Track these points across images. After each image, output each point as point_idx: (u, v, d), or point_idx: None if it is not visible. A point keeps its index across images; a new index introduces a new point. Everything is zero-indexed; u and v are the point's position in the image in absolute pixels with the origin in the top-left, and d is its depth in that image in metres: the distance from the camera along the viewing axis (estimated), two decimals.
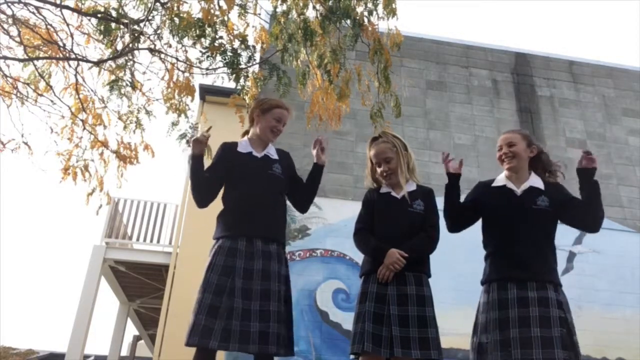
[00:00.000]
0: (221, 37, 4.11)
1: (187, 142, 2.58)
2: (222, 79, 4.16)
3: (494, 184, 2.63)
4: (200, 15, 3.96)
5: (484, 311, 2.42)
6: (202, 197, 2.63)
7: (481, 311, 2.46)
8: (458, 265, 6.11)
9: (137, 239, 8.93)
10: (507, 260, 2.42)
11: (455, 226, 2.67)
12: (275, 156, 2.73)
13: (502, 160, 2.60)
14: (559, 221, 2.59)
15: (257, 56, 4.35)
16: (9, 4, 3.81)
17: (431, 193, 2.76)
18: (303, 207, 2.90)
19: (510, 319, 2.30)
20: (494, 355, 2.27)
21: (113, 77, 4.40)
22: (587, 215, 2.50)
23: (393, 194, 2.67)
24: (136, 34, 4.04)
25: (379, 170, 2.69)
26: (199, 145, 2.64)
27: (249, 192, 2.57)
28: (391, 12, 3.99)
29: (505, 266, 2.42)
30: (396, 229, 2.56)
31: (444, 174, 2.82)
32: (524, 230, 2.44)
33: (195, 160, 2.61)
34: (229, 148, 2.74)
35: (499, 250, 2.48)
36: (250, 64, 4.19)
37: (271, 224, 2.56)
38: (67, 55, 4.19)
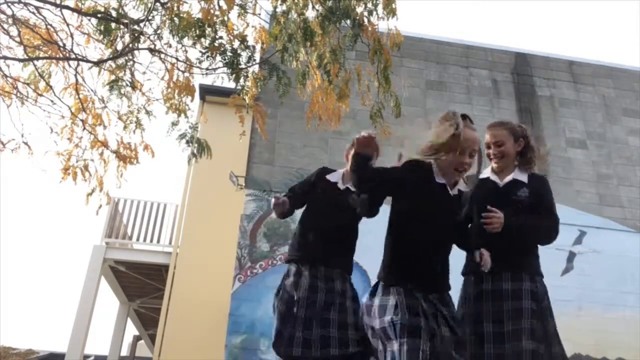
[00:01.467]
0: (221, 37, 4.11)
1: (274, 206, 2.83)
2: (222, 79, 4.17)
3: (481, 176, 2.60)
4: (200, 15, 3.96)
5: (462, 305, 2.43)
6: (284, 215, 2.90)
7: (460, 305, 2.45)
8: (460, 266, 6.10)
9: (137, 239, 8.94)
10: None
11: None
12: None
13: (490, 158, 2.61)
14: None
15: (257, 56, 4.35)
16: (9, 4, 3.81)
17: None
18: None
19: (484, 312, 2.32)
20: (471, 348, 2.26)
21: (113, 77, 4.40)
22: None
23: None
24: (136, 34, 4.04)
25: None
26: (279, 208, 2.78)
27: (324, 220, 2.82)
28: (391, 12, 3.99)
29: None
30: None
31: None
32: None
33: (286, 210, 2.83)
34: (321, 174, 3.02)
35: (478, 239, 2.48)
36: (250, 64, 4.19)
37: (340, 255, 2.78)
38: (67, 55, 4.19)
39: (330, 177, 2.96)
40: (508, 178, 2.55)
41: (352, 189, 2.79)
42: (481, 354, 2.25)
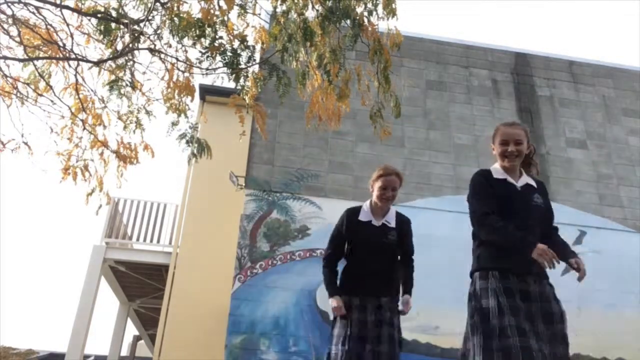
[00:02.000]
0: (221, 37, 4.10)
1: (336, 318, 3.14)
2: (222, 79, 4.17)
3: (495, 176, 2.59)
4: (200, 15, 3.96)
5: (488, 297, 2.36)
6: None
7: (482, 297, 2.38)
8: (458, 266, 6.10)
9: (137, 239, 8.94)
10: (511, 251, 2.39)
11: None
12: (392, 224, 3.13)
13: (505, 157, 2.56)
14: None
15: (257, 56, 4.35)
16: (9, 4, 3.81)
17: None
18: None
19: (519, 308, 2.30)
20: (516, 340, 2.20)
21: (113, 77, 4.40)
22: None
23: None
24: (136, 34, 4.04)
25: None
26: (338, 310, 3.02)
27: (366, 259, 3.04)
28: (391, 12, 3.99)
29: (509, 257, 2.39)
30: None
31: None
32: (526, 223, 2.45)
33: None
34: (351, 216, 3.17)
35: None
36: (250, 64, 4.19)
37: (383, 286, 3.02)
38: (67, 55, 4.19)
39: (363, 217, 3.13)
40: (522, 182, 2.59)
41: (388, 224, 3.09)
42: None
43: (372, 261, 3.02)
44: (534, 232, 2.44)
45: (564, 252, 2.45)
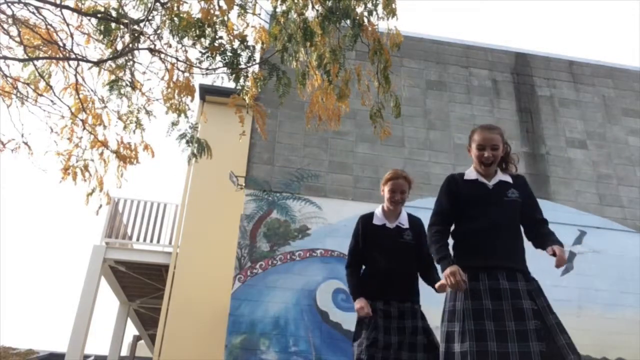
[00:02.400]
0: (221, 37, 4.10)
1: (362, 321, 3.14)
2: (222, 79, 4.17)
3: (466, 177, 2.66)
4: (200, 15, 3.96)
5: (455, 300, 2.42)
6: None
7: (450, 299, 2.45)
8: None
9: (137, 239, 8.94)
10: (481, 249, 2.45)
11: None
12: (406, 225, 3.18)
13: (481, 162, 2.61)
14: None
15: (257, 56, 4.35)
16: (9, 4, 3.81)
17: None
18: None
19: (485, 310, 2.32)
20: (465, 345, 2.27)
21: (113, 77, 4.40)
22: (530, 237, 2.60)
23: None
24: (136, 34, 4.04)
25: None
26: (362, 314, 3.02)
27: (384, 262, 3.05)
28: (391, 12, 3.98)
29: (478, 255, 2.45)
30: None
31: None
32: (497, 220, 2.49)
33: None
34: (365, 222, 3.22)
35: (472, 239, 2.51)
36: (250, 64, 4.19)
37: (405, 288, 3.03)
38: (67, 55, 4.19)
39: (377, 222, 3.18)
40: (495, 180, 2.61)
41: (402, 226, 3.13)
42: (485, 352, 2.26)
43: (391, 263, 3.04)
44: (502, 228, 2.47)
45: (543, 241, 2.49)
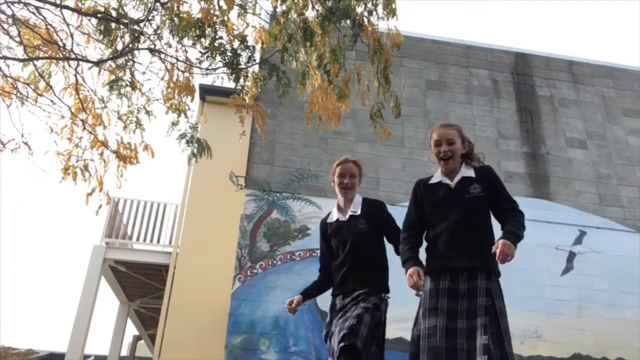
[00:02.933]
0: (221, 37, 4.10)
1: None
2: (222, 79, 4.16)
3: (431, 181, 2.69)
4: (200, 15, 3.96)
5: (421, 302, 2.50)
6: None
7: (419, 305, 2.53)
8: None
9: (137, 239, 8.93)
10: (442, 251, 2.50)
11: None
12: (358, 211, 2.97)
13: (439, 158, 2.64)
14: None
15: (257, 56, 4.35)
16: (9, 4, 3.81)
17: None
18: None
19: (439, 309, 2.38)
20: (425, 342, 2.34)
21: (113, 77, 4.40)
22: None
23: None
24: (136, 34, 4.04)
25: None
26: (296, 306, 3.04)
27: (341, 257, 2.91)
28: (391, 12, 3.98)
29: (439, 257, 2.50)
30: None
31: None
32: (458, 221, 2.51)
33: (308, 299, 3.16)
34: (324, 224, 3.10)
35: (435, 241, 2.55)
36: (250, 64, 4.19)
37: (362, 280, 2.83)
38: (67, 55, 4.19)
39: (331, 219, 3.06)
40: (457, 177, 2.63)
41: (354, 214, 2.97)
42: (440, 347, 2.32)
43: (345, 257, 2.90)
44: (462, 227, 2.48)
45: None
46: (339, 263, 2.92)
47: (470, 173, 2.63)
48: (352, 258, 2.88)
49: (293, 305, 3.00)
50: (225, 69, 4.08)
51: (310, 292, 3.11)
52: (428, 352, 2.30)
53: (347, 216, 2.97)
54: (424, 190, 2.68)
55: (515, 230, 2.42)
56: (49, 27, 4.10)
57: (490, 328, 2.25)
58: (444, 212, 2.55)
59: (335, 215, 3.04)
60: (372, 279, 2.83)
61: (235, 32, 4.12)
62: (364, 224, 2.92)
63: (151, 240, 8.88)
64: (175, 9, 4.02)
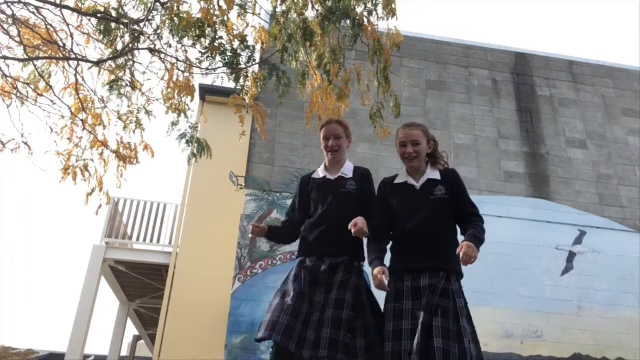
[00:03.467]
0: (221, 37, 4.11)
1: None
2: (222, 79, 4.17)
3: (396, 181, 2.71)
4: (200, 15, 3.96)
5: (385, 302, 2.51)
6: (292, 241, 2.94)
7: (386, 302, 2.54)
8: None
9: (137, 239, 8.93)
10: (406, 251, 2.53)
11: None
12: (350, 175, 2.83)
13: (404, 158, 2.66)
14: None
15: (257, 56, 4.35)
16: (9, 4, 3.81)
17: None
18: None
19: (404, 310, 2.40)
20: (388, 345, 2.35)
21: (113, 77, 4.40)
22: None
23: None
24: (136, 34, 4.04)
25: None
26: (257, 233, 2.76)
27: (322, 213, 2.71)
28: (391, 12, 3.99)
29: (404, 257, 2.53)
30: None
31: None
32: (422, 222, 2.54)
33: (269, 238, 2.91)
34: (305, 180, 2.93)
35: (400, 242, 2.58)
36: (250, 64, 4.19)
37: (342, 240, 2.62)
38: (67, 55, 4.19)
39: (317, 175, 2.88)
40: (423, 179, 2.65)
41: (345, 176, 2.82)
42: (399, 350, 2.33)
43: (329, 214, 2.68)
44: (427, 229, 2.52)
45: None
46: (317, 220, 2.70)
47: (436, 175, 2.66)
48: (334, 217, 2.66)
49: (257, 229, 2.71)
50: (225, 69, 4.08)
51: (275, 234, 2.90)
52: (393, 353, 2.31)
53: (336, 176, 2.82)
54: (389, 190, 2.69)
55: (477, 234, 2.48)
56: (49, 27, 4.10)
57: (451, 326, 2.31)
58: (409, 213, 2.58)
59: (321, 174, 2.88)
60: (351, 245, 2.63)
61: (235, 32, 4.12)
62: (353, 185, 2.77)
63: (151, 240, 8.88)
64: (175, 9, 4.03)
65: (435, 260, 2.46)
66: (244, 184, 6.90)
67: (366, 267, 2.66)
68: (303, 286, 2.51)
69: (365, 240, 2.68)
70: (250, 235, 2.78)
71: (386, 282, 2.41)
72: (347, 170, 2.84)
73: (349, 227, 2.48)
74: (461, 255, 2.34)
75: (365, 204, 2.73)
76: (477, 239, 2.44)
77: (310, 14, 4.02)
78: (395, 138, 2.77)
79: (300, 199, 2.85)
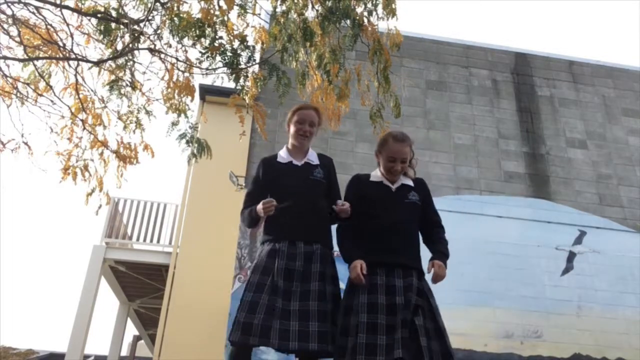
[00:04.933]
0: (221, 37, 4.11)
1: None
2: (222, 79, 4.17)
3: (371, 179, 2.78)
4: (200, 15, 3.96)
5: (352, 295, 2.53)
6: (254, 227, 2.84)
7: (345, 296, 2.57)
8: (460, 266, 6.11)
9: (137, 239, 8.93)
10: (380, 246, 2.58)
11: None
12: (316, 162, 2.81)
13: (389, 171, 2.73)
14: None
15: (257, 56, 4.35)
16: (9, 4, 3.81)
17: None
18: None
19: (379, 304, 2.43)
20: (361, 337, 2.37)
21: (113, 77, 4.40)
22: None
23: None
24: (136, 34, 4.04)
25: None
26: (268, 210, 2.62)
27: (291, 198, 2.63)
28: (391, 12, 3.99)
29: (377, 251, 2.57)
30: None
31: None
32: (397, 220, 2.64)
33: (258, 219, 2.74)
34: (268, 163, 2.83)
35: (373, 237, 2.62)
36: (250, 64, 4.19)
37: (313, 227, 2.65)
38: (67, 55, 4.19)
39: (281, 159, 2.79)
40: (398, 183, 2.75)
41: (311, 162, 2.80)
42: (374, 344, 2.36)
43: (299, 202, 2.62)
44: (401, 228, 2.62)
45: (432, 250, 2.68)
46: (287, 206, 2.60)
47: (409, 182, 2.78)
48: (306, 204, 2.63)
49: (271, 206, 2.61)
50: (225, 69, 4.08)
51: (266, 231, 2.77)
52: (367, 346, 2.34)
53: (302, 162, 2.76)
54: (365, 184, 2.76)
55: (444, 250, 2.65)
56: (49, 27, 4.10)
57: (429, 327, 2.40)
58: (383, 211, 2.65)
59: (286, 157, 2.78)
60: (323, 231, 2.67)
61: (235, 32, 4.12)
62: (320, 173, 2.75)
63: (151, 240, 8.88)
64: (175, 9, 4.03)
65: (406, 258, 2.56)
66: (244, 184, 6.89)
67: (336, 251, 2.72)
68: (276, 279, 2.47)
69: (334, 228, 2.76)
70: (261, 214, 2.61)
71: (362, 276, 2.46)
72: (312, 156, 2.82)
73: (339, 204, 2.60)
74: (433, 274, 2.51)
75: (332, 194, 2.78)
76: (445, 256, 2.62)
77: (310, 14, 4.02)
78: (380, 142, 2.82)
79: (265, 182, 2.76)
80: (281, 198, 2.61)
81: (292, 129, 2.82)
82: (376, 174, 2.79)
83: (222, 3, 3.95)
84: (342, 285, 2.63)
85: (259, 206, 2.57)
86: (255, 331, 2.33)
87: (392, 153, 2.71)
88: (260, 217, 2.63)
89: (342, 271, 2.68)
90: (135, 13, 4.11)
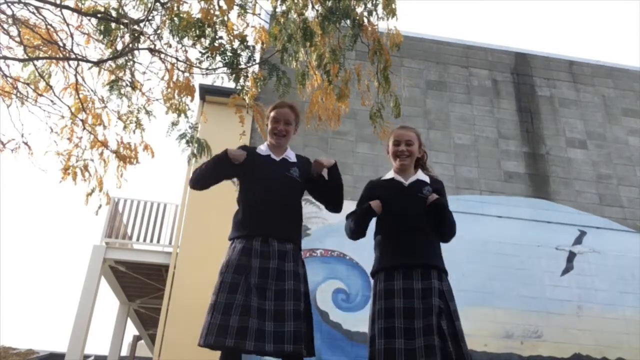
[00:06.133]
0: (221, 37, 4.11)
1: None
2: (222, 79, 4.17)
3: (383, 178, 2.79)
4: (200, 15, 3.96)
5: (375, 301, 2.52)
6: (204, 184, 2.85)
7: (371, 304, 2.56)
8: (460, 266, 6.12)
9: (137, 239, 8.92)
10: (396, 247, 2.54)
11: (361, 235, 2.74)
12: (293, 159, 2.77)
13: (397, 156, 2.72)
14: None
15: (257, 56, 4.35)
16: (9, 4, 3.81)
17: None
18: (332, 205, 2.87)
19: (395, 309, 2.40)
20: (380, 343, 2.36)
21: (113, 77, 4.40)
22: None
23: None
24: (136, 34, 4.04)
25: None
26: (237, 156, 2.66)
27: (266, 193, 2.60)
28: (391, 12, 3.99)
29: (393, 254, 2.53)
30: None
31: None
32: (411, 218, 2.59)
33: (223, 160, 2.69)
34: (249, 151, 2.78)
35: (387, 238, 2.60)
36: (250, 64, 4.19)
37: (287, 225, 2.59)
38: (67, 55, 4.19)
39: (260, 151, 2.77)
40: (412, 178, 2.71)
41: (289, 159, 2.77)
42: (392, 349, 2.33)
43: (273, 196, 2.58)
44: (416, 224, 2.57)
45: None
46: (262, 200, 2.57)
47: (425, 178, 2.73)
48: (281, 200, 2.60)
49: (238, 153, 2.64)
50: (225, 69, 4.09)
51: (219, 168, 2.78)
52: (386, 352, 2.32)
53: (280, 158, 2.74)
54: (377, 186, 2.76)
55: (447, 213, 2.60)
56: (49, 27, 4.10)
57: (448, 329, 2.32)
58: (396, 208, 2.62)
59: (265, 151, 2.76)
60: (296, 231, 2.65)
61: (235, 32, 4.13)
62: (297, 172, 2.70)
63: (151, 240, 8.88)
64: (175, 9, 4.03)
65: (426, 257, 2.50)
66: None
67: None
68: (250, 278, 2.41)
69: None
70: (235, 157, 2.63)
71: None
72: (290, 155, 2.79)
73: (318, 161, 2.68)
74: (429, 198, 2.58)
75: (303, 193, 2.77)
76: (444, 207, 2.60)
77: (310, 14, 4.02)
78: (388, 138, 2.82)
79: (241, 165, 2.70)
80: (254, 189, 2.61)
81: (269, 127, 2.79)
82: (389, 174, 2.79)
83: (222, 3, 3.95)
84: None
85: (229, 148, 2.58)
86: (231, 333, 2.30)
87: (396, 137, 2.73)
88: (225, 159, 2.61)
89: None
90: (135, 13, 4.12)
